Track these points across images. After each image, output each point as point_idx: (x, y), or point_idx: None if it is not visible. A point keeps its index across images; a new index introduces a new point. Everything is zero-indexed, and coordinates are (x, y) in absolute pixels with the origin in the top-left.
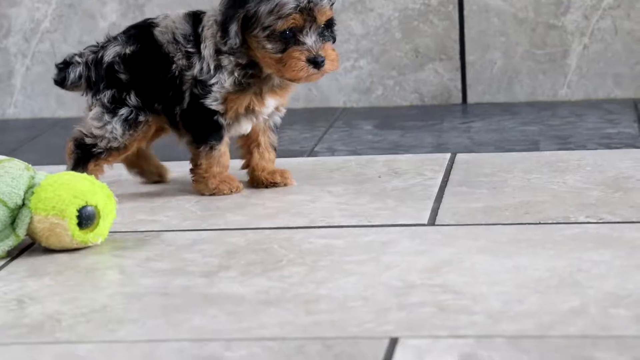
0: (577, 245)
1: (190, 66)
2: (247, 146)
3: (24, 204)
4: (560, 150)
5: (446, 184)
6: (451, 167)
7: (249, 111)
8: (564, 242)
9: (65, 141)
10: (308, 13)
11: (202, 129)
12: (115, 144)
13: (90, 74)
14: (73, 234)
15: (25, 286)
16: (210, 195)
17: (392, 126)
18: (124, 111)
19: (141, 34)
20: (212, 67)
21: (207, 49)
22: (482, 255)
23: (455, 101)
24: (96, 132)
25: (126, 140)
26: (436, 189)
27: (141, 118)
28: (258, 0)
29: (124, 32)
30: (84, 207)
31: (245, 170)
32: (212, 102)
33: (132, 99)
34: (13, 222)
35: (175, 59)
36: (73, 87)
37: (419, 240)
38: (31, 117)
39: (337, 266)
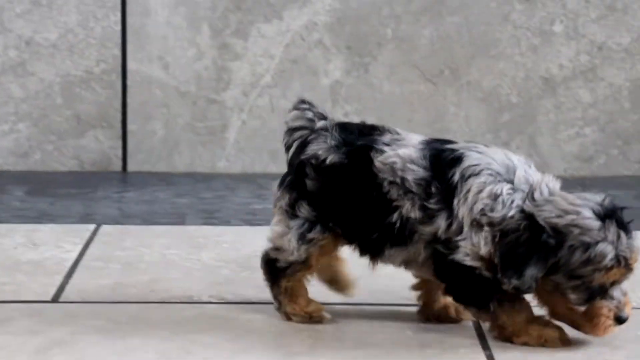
0: (192, 327)
1: (426, 222)
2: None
3: None
4: (204, 225)
5: (82, 257)
6: (92, 240)
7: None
8: (181, 323)
9: None
10: (626, 263)
11: (477, 290)
12: (293, 258)
13: (290, 147)
14: None
15: None
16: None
17: (44, 193)
18: (296, 222)
19: (357, 151)
20: (464, 226)
21: (464, 208)
22: (97, 336)
23: (115, 169)
24: (277, 242)
25: (302, 255)
26: (70, 263)
27: (311, 235)
28: (572, 248)
29: (342, 128)
30: None
31: None
32: (465, 258)
33: (304, 211)
34: None
35: (400, 207)
36: (293, 127)
37: (38, 318)
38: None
39: None
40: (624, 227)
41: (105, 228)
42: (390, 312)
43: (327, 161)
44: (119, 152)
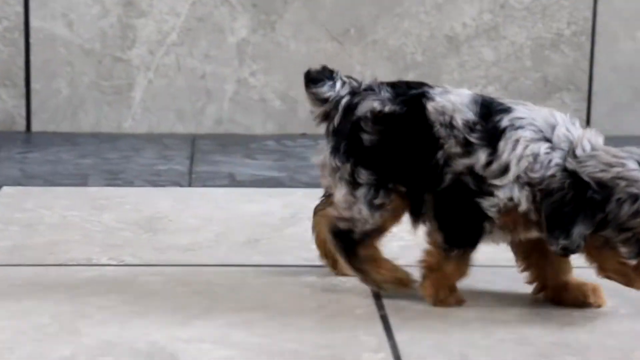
0: (90, 290)
1: (465, 155)
2: (536, 265)
3: None
4: (107, 186)
5: None
6: None
7: (515, 230)
8: (79, 285)
9: None
10: None
11: (462, 230)
12: (368, 227)
13: (332, 113)
14: None
15: None
16: (433, 305)
17: None
18: (362, 191)
19: (412, 99)
20: (509, 173)
21: (511, 153)
22: None
23: (19, 129)
24: (346, 214)
25: (378, 222)
26: None
27: (377, 201)
28: (620, 201)
29: (391, 85)
30: None
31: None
32: (491, 207)
33: (363, 177)
34: None
35: (445, 145)
36: (318, 99)
37: None
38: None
39: None
40: None
41: (6, 189)
42: (288, 273)
43: (386, 110)
44: (23, 112)
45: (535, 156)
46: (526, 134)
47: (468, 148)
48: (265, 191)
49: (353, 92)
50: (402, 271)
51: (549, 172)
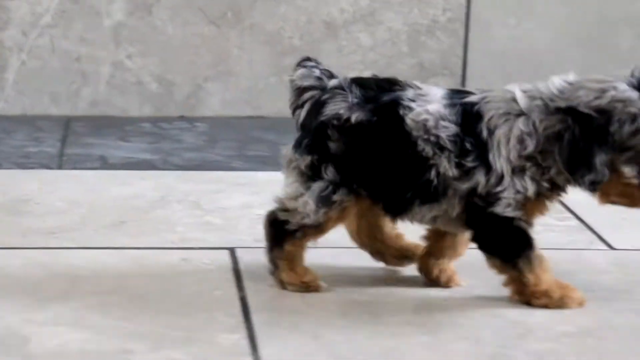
0: None
1: (464, 178)
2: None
3: None
4: None
5: None
6: None
7: (531, 217)
8: None
9: None
10: None
11: (506, 242)
12: (308, 221)
13: (300, 108)
14: None
15: None
16: (556, 308)
17: None
18: (318, 185)
19: (385, 108)
20: (504, 176)
21: (499, 159)
22: None
23: None
24: (290, 204)
25: (320, 219)
26: None
27: (335, 197)
28: (621, 122)
29: (359, 85)
30: None
31: None
32: (505, 209)
33: (330, 173)
34: None
35: (437, 165)
36: (301, 87)
37: None
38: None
39: None
40: None
41: None
42: (152, 255)
43: (352, 120)
44: None
45: (521, 137)
46: (503, 129)
47: (464, 169)
48: (137, 173)
49: (322, 88)
50: (311, 276)
51: (542, 128)
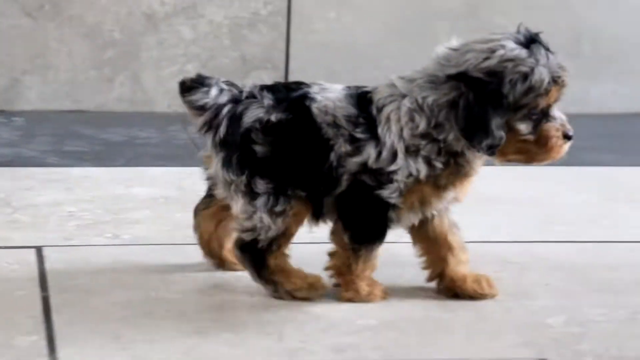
0: None
1: (356, 152)
2: (435, 252)
3: None
4: None
5: None
6: None
7: (424, 204)
8: None
9: None
10: (561, 83)
11: (368, 226)
12: (272, 233)
13: (215, 122)
14: None
15: None
16: (362, 302)
17: None
18: (260, 200)
19: (295, 103)
20: (397, 153)
21: (389, 134)
22: None
23: None
24: (247, 224)
25: (281, 227)
26: None
27: (279, 208)
28: (513, 82)
29: (269, 90)
30: None
31: None
32: (391, 194)
33: (260, 186)
34: None
35: (335, 145)
36: (193, 107)
37: None
38: None
39: None
40: (547, 48)
41: None
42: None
43: (273, 119)
44: None
45: (409, 114)
46: (391, 107)
47: (356, 144)
48: None
49: (235, 100)
50: (312, 276)
51: (432, 98)
